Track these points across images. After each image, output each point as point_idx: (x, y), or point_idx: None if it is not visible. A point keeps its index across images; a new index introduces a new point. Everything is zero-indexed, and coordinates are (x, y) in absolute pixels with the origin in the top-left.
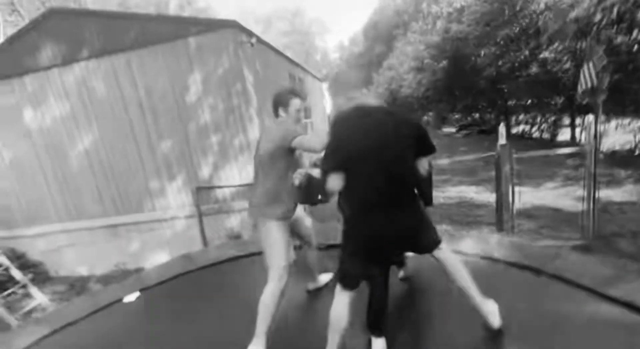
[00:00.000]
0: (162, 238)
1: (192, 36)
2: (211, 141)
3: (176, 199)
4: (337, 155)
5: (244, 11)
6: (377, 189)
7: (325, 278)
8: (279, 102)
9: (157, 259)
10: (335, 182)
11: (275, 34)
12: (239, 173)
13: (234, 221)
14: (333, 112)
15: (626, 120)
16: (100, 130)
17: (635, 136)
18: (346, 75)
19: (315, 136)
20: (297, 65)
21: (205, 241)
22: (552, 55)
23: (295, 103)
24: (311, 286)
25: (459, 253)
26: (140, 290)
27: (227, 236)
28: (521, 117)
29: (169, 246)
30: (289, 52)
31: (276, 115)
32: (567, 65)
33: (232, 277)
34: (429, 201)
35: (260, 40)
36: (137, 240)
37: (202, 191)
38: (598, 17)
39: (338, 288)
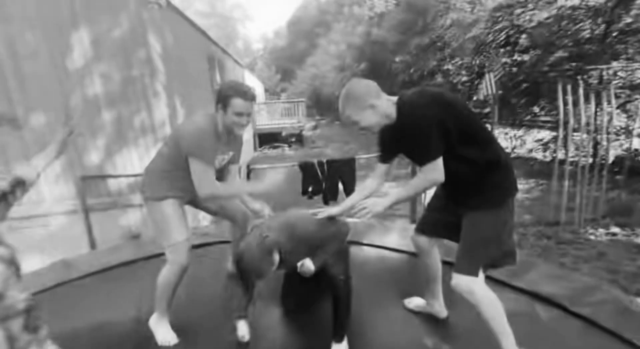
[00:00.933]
0: (31, 239)
1: None
2: (103, 119)
3: (52, 190)
4: (468, 122)
5: None
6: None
7: None
8: (219, 99)
9: (24, 266)
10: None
11: (193, 14)
12: (139, 159)
13: (132, 219)
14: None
15: (506, 129)
16: None
17: (511, 142)
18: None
19: (211, 183)
20: (217, 45)
21: (93, 243)
22: (454, 68)
23: (237, 104)
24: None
25: (371, 244)
26: None
27: (123, 237)
28: None
29: (41, 249)
30: (209, 34)
31: (216, 110)
32: (465, 78)
33: (125, 285)
34: None
35: (171, 6)
36: None
37: (88, 182)
38: (490, 38)
39: (477, 281)
